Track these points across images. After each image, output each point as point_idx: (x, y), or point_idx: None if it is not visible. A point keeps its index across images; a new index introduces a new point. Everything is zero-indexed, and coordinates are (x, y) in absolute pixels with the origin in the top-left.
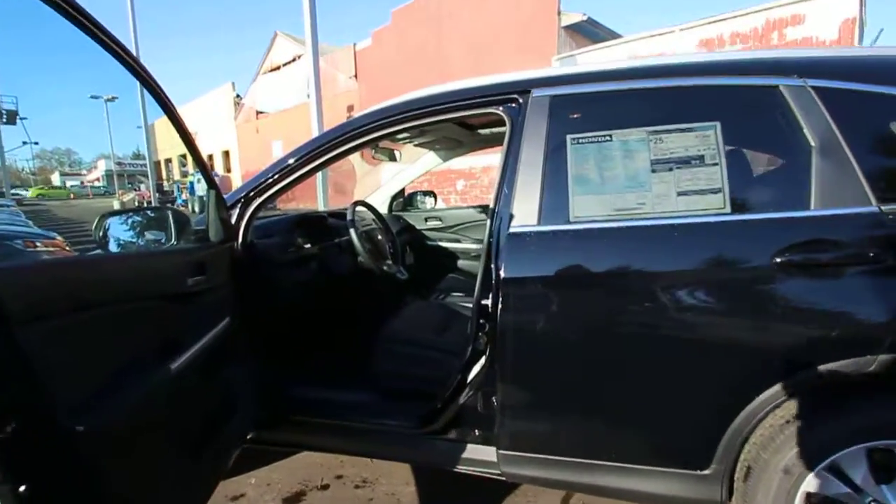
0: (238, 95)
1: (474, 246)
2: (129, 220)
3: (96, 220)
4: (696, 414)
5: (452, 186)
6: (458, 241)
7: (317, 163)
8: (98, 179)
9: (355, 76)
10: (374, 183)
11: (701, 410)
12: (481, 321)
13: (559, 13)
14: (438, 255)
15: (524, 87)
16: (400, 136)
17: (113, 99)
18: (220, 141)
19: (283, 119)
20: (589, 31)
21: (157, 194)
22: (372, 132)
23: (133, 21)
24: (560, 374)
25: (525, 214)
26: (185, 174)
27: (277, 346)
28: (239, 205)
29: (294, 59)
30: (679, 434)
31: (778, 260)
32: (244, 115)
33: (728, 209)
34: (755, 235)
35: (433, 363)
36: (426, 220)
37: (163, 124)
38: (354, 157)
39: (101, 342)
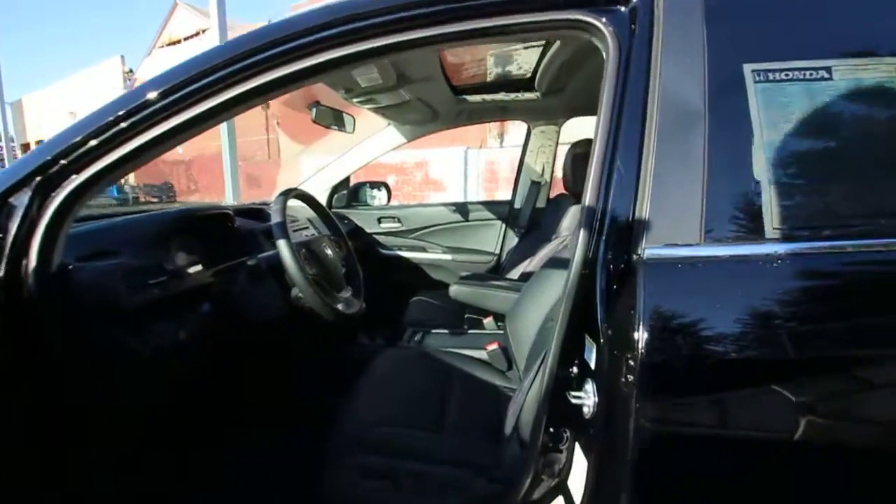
0: (130, 70)
1: (446, 257)
2: None
3: None
4: None
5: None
6: (423, 249)
7: (210, 104)
8: None
9: None
10: (305, 167)
11: None
12: (554, 429)
13: None
14: (400, 269)
15: None
16: (374, 69)
17: None
18: None
19: None
20: None
21: None
22: (329, 48)
23: None
24: None
25: (672, 222)
26: None
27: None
28: (30, 188)
29: (197, 34)
30: None
31: None
32: None
33: None
34: None
35: (444, 485)
36: (379, 220)
37: (33, 100)
38: (278, 131)
39: None
